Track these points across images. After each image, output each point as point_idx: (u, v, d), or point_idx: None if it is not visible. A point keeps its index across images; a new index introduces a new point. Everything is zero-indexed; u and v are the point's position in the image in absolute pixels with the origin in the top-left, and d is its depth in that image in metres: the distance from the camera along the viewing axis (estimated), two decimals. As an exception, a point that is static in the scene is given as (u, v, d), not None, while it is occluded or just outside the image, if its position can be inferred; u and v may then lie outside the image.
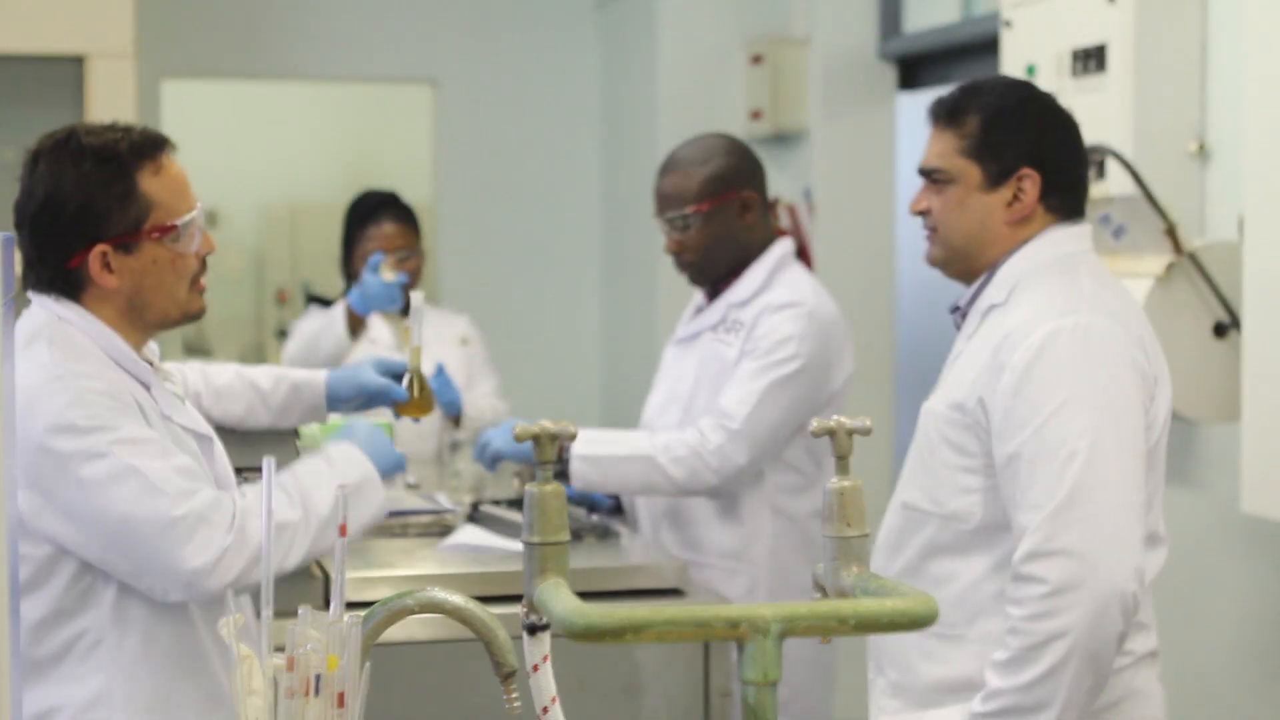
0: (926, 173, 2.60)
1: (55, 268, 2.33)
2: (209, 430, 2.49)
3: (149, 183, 2.33)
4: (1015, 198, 2.54)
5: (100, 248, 2.31)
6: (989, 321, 2.52)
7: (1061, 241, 2.55)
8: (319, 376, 2.86)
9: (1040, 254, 2.53)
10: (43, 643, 2.29)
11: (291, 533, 2.33)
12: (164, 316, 2.39)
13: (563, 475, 3.36)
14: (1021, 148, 2.54)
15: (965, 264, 2.60)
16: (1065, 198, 2.57)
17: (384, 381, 2.86)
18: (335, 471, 2.44)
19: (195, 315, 2.43)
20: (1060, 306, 2.44)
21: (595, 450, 3.34)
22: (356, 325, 4.32)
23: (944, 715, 2.53)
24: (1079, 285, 2.48)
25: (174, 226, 2.34)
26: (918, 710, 2.57)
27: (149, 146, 2.35)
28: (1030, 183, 2.53)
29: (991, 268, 2.56)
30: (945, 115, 2.59)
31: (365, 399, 2.87)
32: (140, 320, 2.37)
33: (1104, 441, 2.36)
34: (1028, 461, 2.38)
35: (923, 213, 2.62)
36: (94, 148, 2.32)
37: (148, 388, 2.37)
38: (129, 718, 2.29)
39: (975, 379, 2.47)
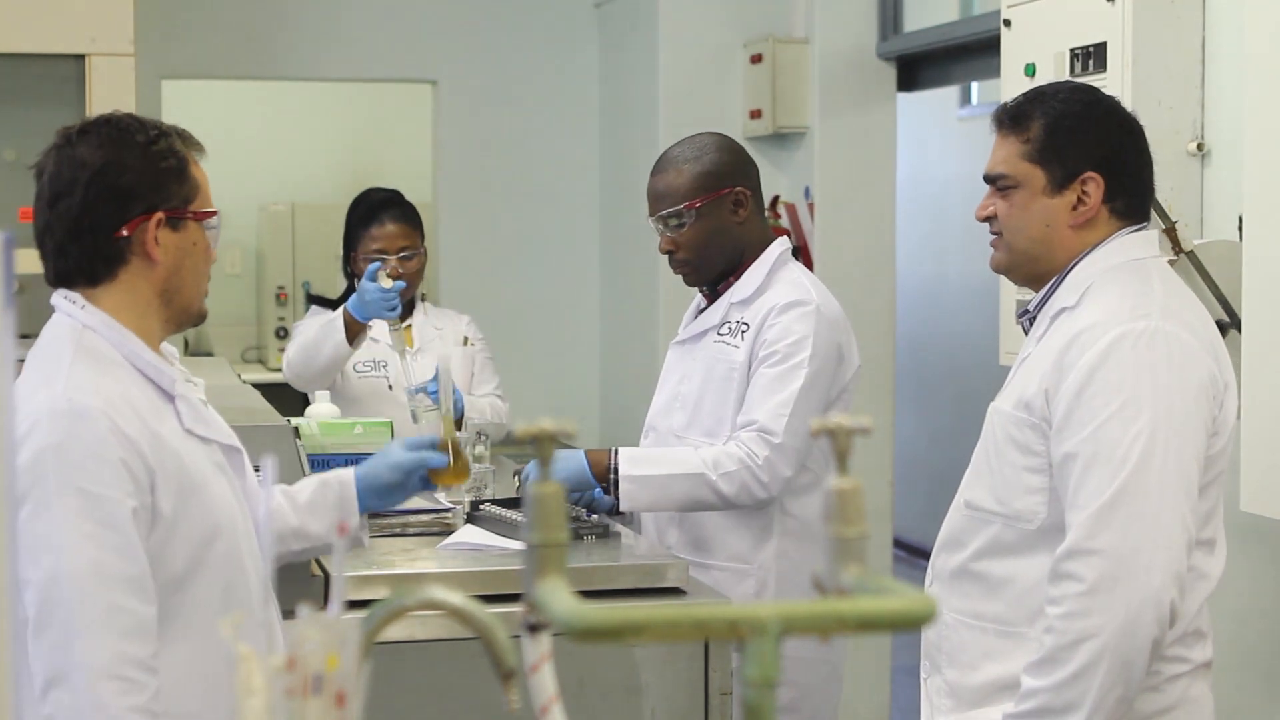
0: (991, 179, 2.62)
1: (105, 235, 2.31)
2: (236, 441, 2.46)
3: (194, 169, 2.40)
4: (1079, 201, 2.55)
5: (159, 215, 2.33)
6: (1059, 324, 2.53)
7: (1131, 247, 2.56)
8: (347, 471, 2.70)
9: (1111, 258, 2.54)
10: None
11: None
12: (187, 307, 2.40)
13: (605, 489, 3.37)
14: (1085, 151, 2.55)
15: (1031, 268, 2.61)
16: (1129, 200, 2.58)
17: (416, 456, 2.68)
18: None
19: (203, 317, 2.46)
20: (1131, 311, 2.46)
21: (643, 470, 3.34)
22: (356, 332, 4.32)
23: (985, 715, 2.53)
24: (1151, 290, 2.50)
25: (214, 212, 2.42)
26: (969, 710, 2.57)
27: (192, 141, 2.42)
28: (1094, 185, 2.54)
29: (1060, 272, 2.57)
30: (1009, 121, 2.60)
31: (401, 475, 2.66)
32: (167, 308, 2.37)
33: (1158, 446, 2.37)
34: (1083, 462, 2.40)
35: (988, 218, 2.63)
36: (151, 124, 2.37)
37: (171, 399, 2.35)
38: None
39: (1042, 379, 2.48)
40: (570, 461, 3.37)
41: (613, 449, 3.40)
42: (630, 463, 3.36)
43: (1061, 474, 2.44)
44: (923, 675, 2.70)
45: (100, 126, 2.35)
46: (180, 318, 2.41)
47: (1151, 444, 2.37)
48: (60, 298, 2.35)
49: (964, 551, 2.59)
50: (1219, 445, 2.47)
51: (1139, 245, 2.57)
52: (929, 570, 2.68)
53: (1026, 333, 2.65)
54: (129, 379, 2.30)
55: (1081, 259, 2.56)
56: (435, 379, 4.22)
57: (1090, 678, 2.33)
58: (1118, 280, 2.52)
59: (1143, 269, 2.54)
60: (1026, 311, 2.65)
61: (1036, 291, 2.63)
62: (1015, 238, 2.60)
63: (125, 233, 2.32)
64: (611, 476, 3.35)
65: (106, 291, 2.34)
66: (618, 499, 3.36)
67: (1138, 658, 2.34)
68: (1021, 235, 2.59)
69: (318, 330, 4.37)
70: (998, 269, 2.67)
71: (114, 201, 2.31)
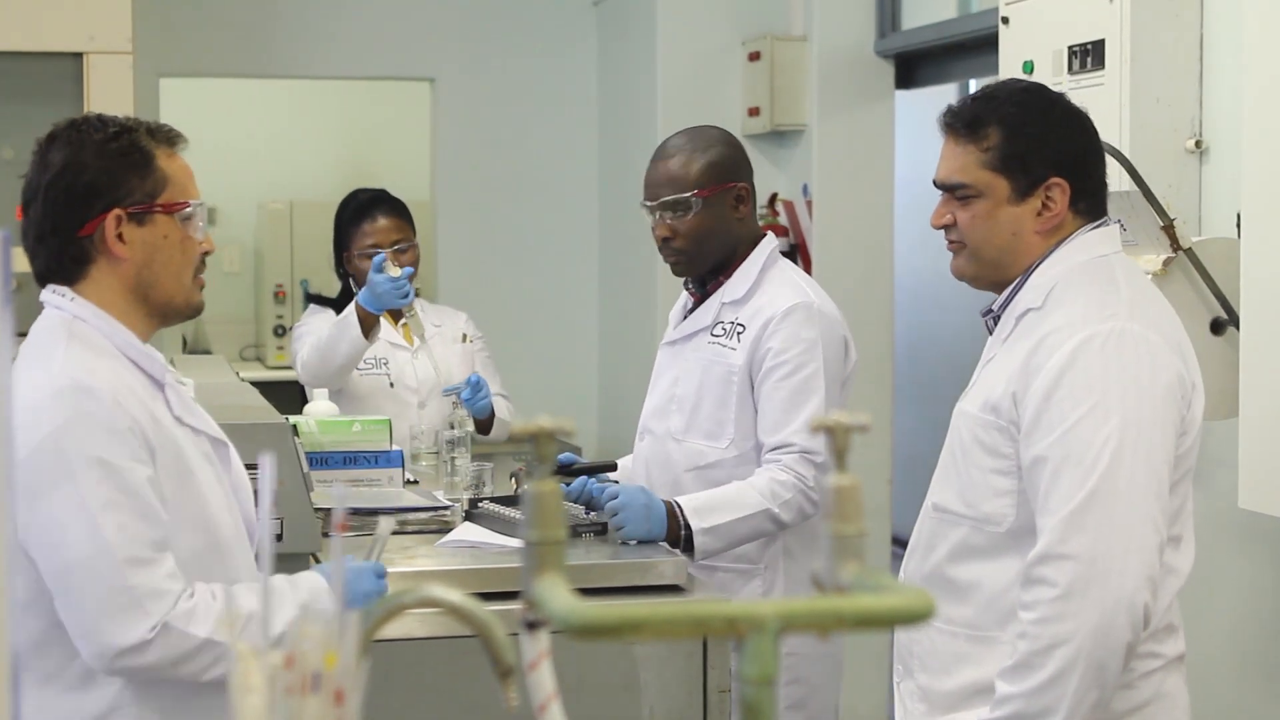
0: (949, 187, 2.58)
1: (67, 236, 2.33)
2: (223, 435, 2.48)
3: (164, 161, 2.39)
4: (1045, 207, 2.52)
5: (116, 212, 2.33)
6: (1025, 324, 2.51)
7: (1094, 244, 2.54)
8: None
9: (1074, 256, 2.52)
10: (49, 654, 2.27)
11: (218, 653, 2.25)
12: (169, 300, 2.40)
13: (675, 543, 3.28)
14: (1047, 157, 2.52)
15: (996, 276, 2.58)
16: (1091, 201, 2.56)
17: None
18: (292, 604, 2.32)
19: (195, 309, 2.45)
20: (1097, 312, 2.44)
21: (713, 520, 3.28)
22: (370, 325, 4.34)
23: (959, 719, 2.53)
24: (1117, 290, 2.48)
25: (186, 204, 2.39)
26: (942, 715, 2.57)
27: (164, 134, 2.42)
28: (1059, 191, 2.52)
29: (1023, 273, 2.55)
30: (964, 127, 2.55)
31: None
32: (145, 303, 2.38)
33: (1127, 449, 2.36)
34: (1052, 465, 2.38)
35: (946, 226, 2.60)
36: (114, 122, 2.39)
37: (161, 387, 2.37)
38: None
39: (1009, 381, 2.46)
40: (658, 528, 3.26)
41: (674, 502, 3.31)
42: (697, 514, 3.28)
43: (1031, 477, 2.42)
44: (895, 679, 2.69)
45: (65, 130, 2.38)
46: (164, 311, 2.42)
47: (1121, 446, 2.36)
48: (49, 293, 2.38)
49: (933, 555, 2.58)
50: (1186, 444, 2.45)
51: (1101, 241, 2.55)
52: (900, 574, 2.66)
53: (990, 333, 2.63)
54: (121, 367, 2.33)
55: (1044, 258, 2.54)
56: (467, 381, 4.27)
57: (1065, 683, 2.32)
58: (1083, 279, 2.49)
59: (1106, 266, 2.52)
60: (990, 311, 2.63)
61: (998, 294, 2.61)
62: (982, 247, 2.56)
63: (87, 232, 2.34)
64: (683, 533, 3.28)
65: (83, 289, 2.36)
66: (691, 552, 3.28)
67: (1112, 661, 2.33)
68: (988, 245, 2.55)
69: (331, 329, 4.38)
70: (960, 276, 2.62)
71: (73, 202, 2.34)
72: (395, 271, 4.29)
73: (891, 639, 5.63)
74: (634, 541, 3.25)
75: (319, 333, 4.47)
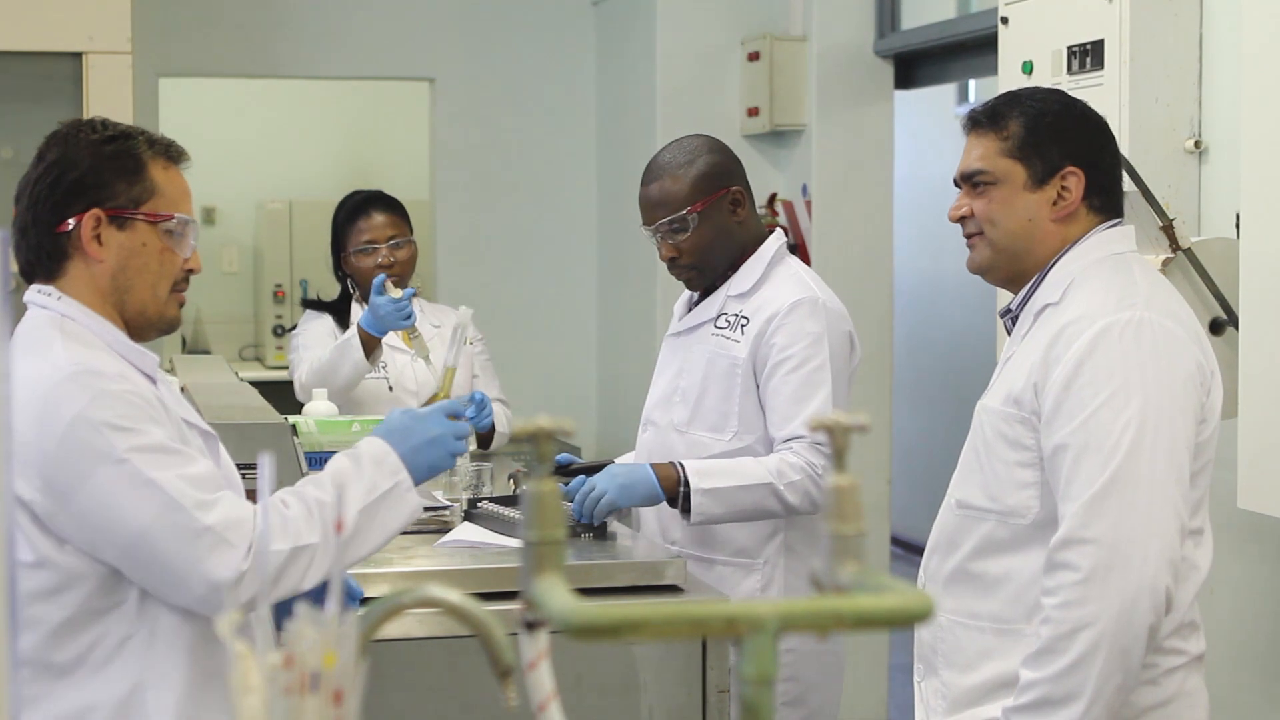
0: (969, 176, 2.61)
1: (46, 230, 2.33)
2: (211, 429, 2.49)
3: (158, 172, 2.37)
4: (1060, 195, 2.56)
5: (96, 212, 2.32)
6: (1044, 320, 2.54)
7: (1110, 242, 2.58)
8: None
9: (1091, 254, 2.56)
10: (67, 645, 2.27)
11: (310, 555, 2.27)
12: (142, 309, 2.38)
13: (671, 502, 3.31)
14: (1065, 147, 2.57)
15: (1013, 266, 2.61)
16: (1106, 198, 2.60)
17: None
18: (363, 482, 2.33)
19: (169, 323, 2.44)
20: (1116, 302, 2.47)
21: (715, 483, 3.29)
22: (372, 347, 4.33)
23: (982, 713, 2.54)
24: (1134, 282, 2.52)
25: (171, 217, 2.37)
26: (964, 709, 2.58)
27: (164, 147, 2.41)
28: (1075, 180, 2.56)
29: (1041, 269, 2.58)
30: (986, 119, 2.61)
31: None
32: (120, 310, 2.37)
33: (1148, 435, 2.39)
34: (1074, 452, 2.41)
35: (963, 219, 2.63)
36: (115, 127, 2.38)
37: (153, 382, 2.38)
38: (163, 717, 2.29)
39: (1030, 373, 2.49)
40: (641, 482, 3.30)
41: (677, 463, 3.34)
42: (700, 475, 3.30)
43: (1053, 465, 2.45)
44: (916, 678, 2.70)
45: (67, 128, 2.38)
46: (139, 322, 2.39)
47: (1141, 432, 2.39)
48: (34, 292, 2.37)
49: (958, 553, 2.59)
50: (1206, 433, 2.48)
51: (1118, 240, 2.59)
52: (920, 573, 2.67)
53: (1009, 332, 2.66)
54: (116, 362, 2.32)
55: (1061, 256, 2.57)
56: (471, 399, 4.25)
57: (1089, 666, 2.34)
58: (1100, 274, 2.53)
59: (1123, 262, 2.56)
60: (1009, 310, 2.65)
61: (1013, 293, 2.64)
62: (997, 233, 2.59)
63: (65, 228, 2.33)
64: (681, 490, 3.29)
65: (64, 287, 2.36)
66: (688, 512, 3.30)
67: (1135, 645, 2.35)
68: (1003, 230, 2.58)
69: (332, 353, 4.37)
70: (977, 269, 2.65)
71: (56, 197, 2.33)
72: (397, 293, 4.28)
73: (890, 639, 5.66)
74: (619, 508, 3.28)
75: (316, 348, 4.46)
